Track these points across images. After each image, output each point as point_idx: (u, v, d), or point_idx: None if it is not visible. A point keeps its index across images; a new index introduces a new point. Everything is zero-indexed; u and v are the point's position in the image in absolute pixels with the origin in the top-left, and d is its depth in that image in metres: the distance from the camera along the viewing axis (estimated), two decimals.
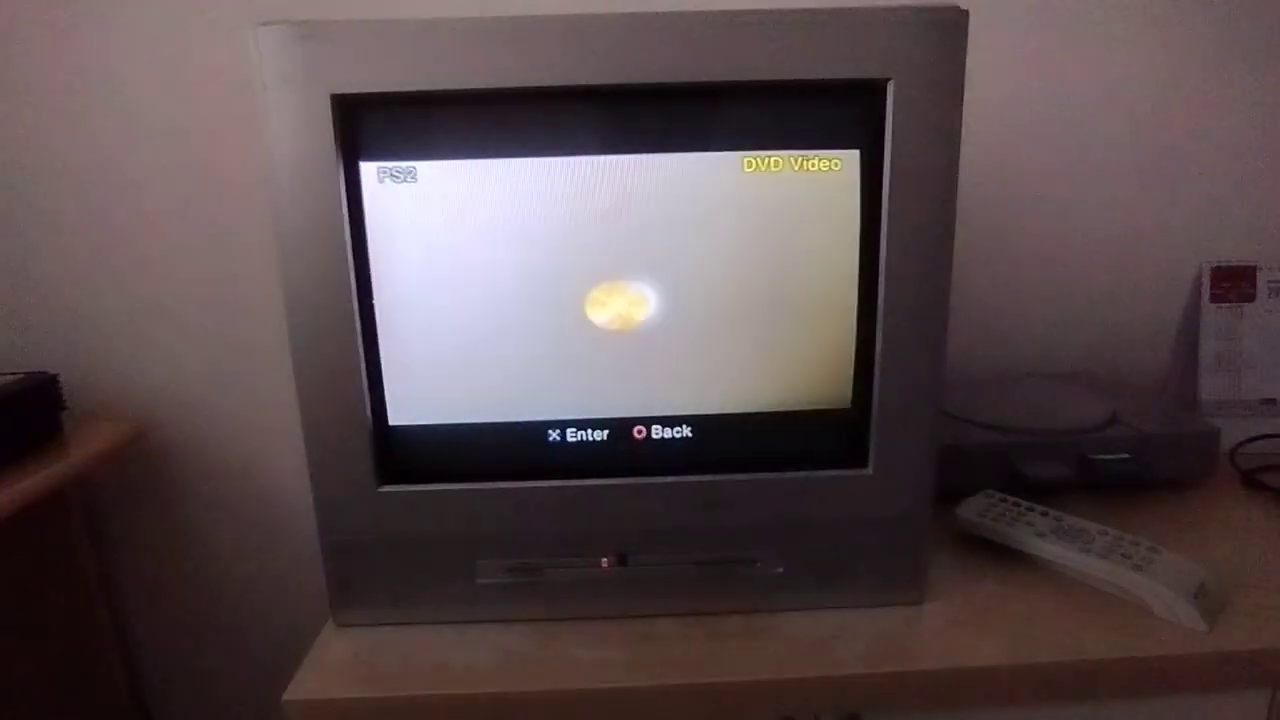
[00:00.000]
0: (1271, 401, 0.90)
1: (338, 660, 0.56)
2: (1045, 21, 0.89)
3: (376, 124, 0.51)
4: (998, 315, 0.97)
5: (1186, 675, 0.55)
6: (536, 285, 0.54)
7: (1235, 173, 0.94)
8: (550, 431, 0.57)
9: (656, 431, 0.57)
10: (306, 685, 0.54)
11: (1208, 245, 0.94)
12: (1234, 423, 0.86)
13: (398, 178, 0.52)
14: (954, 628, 0.57)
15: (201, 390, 0.96)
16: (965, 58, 0.49)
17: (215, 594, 1.03)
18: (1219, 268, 0.91)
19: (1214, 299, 0.91)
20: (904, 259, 0.52)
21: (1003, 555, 0.65)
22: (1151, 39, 0.90)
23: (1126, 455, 0.74)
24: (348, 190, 0.51)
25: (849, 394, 0.56)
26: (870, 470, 0.56)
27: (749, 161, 0.53)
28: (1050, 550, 0.62)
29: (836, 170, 0.53)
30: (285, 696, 0.53)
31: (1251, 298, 0.91)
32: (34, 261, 0.92)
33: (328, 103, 0.49)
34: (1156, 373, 0.97)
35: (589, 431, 0.57)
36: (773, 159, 0.53)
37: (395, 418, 0.56)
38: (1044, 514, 0.66)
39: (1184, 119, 0.92)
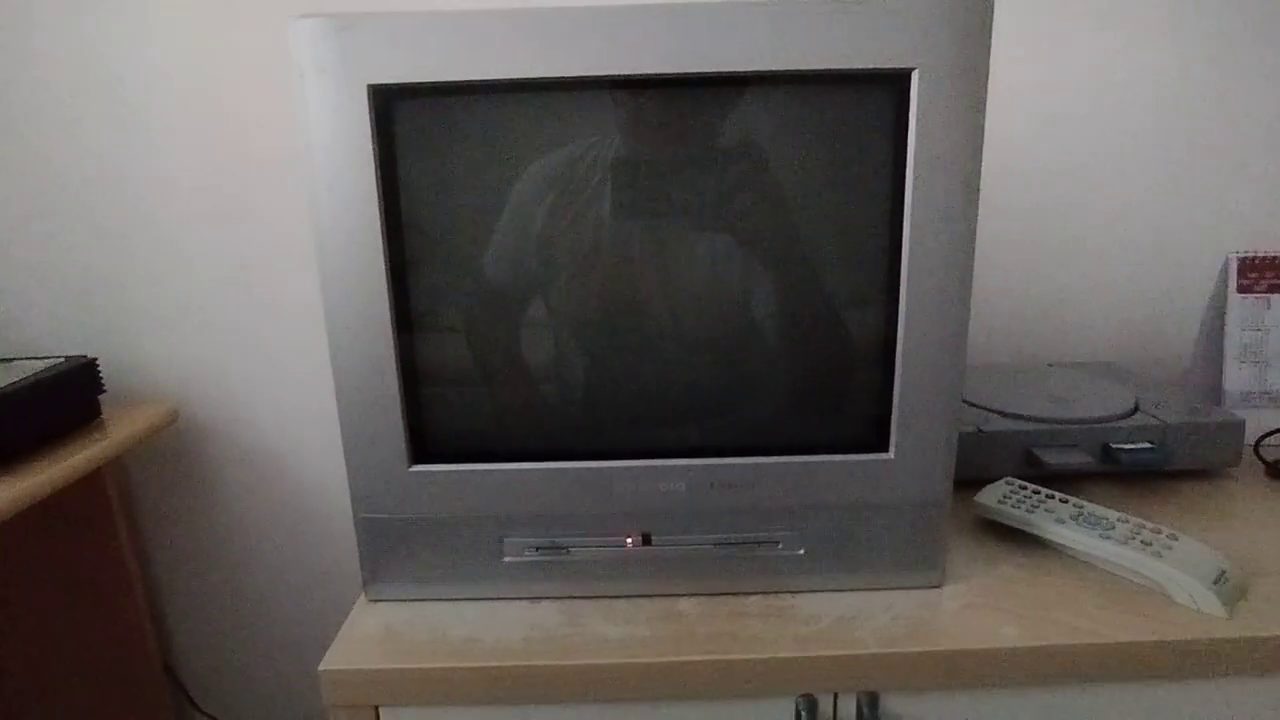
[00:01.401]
0: None
1: (371, 633, 0.58)
2: (1069, 10, 0.88)
3: (412, 113, 0.52)
4: (1023, 305, 0.97)
5: (1205, 661, 0.55)
6: (566, 269, 0.56)
7: (1263, 163, 0.93)
8: (577, 412, 0.59)
9: (682, 415, 0.59)
10: (341, 656, 0.56)
11: (1234, 235, 0.93)
12: (1259, 414, 0.86)
13: (433, 165, 0.53)
14: (972, 610, 0.58)
15: (233, 373, 0.98)
16: (990, 47, 0.50)
17: (244, 568, 1.06)
18: (1246, 258, 0.90)
19: (1240, 290, 0.91)
20: (927, 247, 0.53)
21: (1022, 541, 0.66)
22: (1177, 28, 0.89)
23: (1149, 445, 0.74)
24: (383, 178, 0.52)
25: (871, 380, 0.57)
26: (891, 455, 0.57)
27: (776, 154, 0.54)
28: (1069, 536, 0.63)
29: (861, 160, 0.54)
30: (321, 667, 0.55)
31: (1278, 289, 0.90)
32: (75, 251, 0.95)
33: (365, 93, 0.50)
34: (1181, 363, 0.96)
35: (616, 412, 0.58)
36: (799, 150, 0.54)
37: (428, 400, 0.58)
38: (1064, 501, 0.67)
39: (1211, 108, 0.91)
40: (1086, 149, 0.93)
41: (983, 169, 0.52)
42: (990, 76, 0.51)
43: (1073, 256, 0.96)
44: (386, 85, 0.51)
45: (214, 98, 0.90)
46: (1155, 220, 0.95)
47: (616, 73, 0.51)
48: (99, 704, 1.01)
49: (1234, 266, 0.90)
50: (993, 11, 0.49)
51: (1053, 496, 0.67)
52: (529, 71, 0.51)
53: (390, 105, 0.52)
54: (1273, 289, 0.90)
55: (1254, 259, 0.90)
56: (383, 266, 0.53)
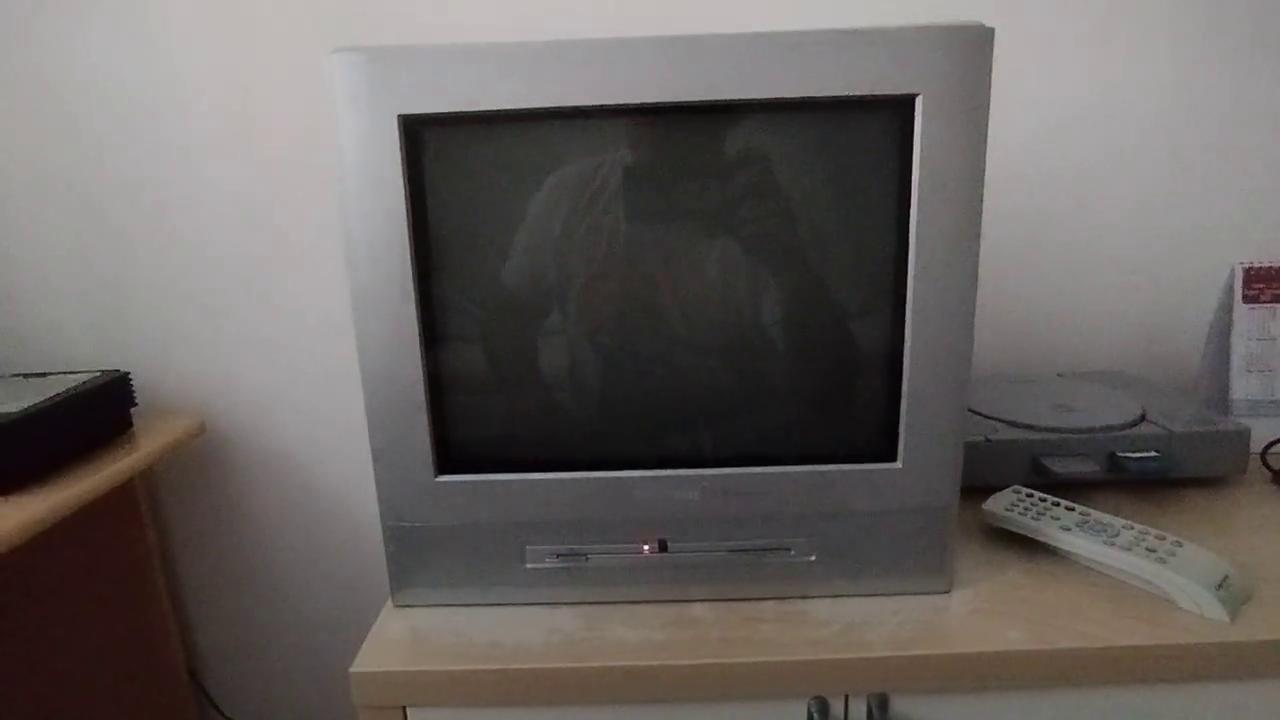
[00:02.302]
0: None
1: (398, 637, 0.61)
2: (1074, 21, 0.90)
3: (439, 141, 0.55)
4: (1030, 316, 0.99)
5: (1208, 665, 0.56)
6: (583, 283, 0.58)
7: (1268, 173, 0.94)
8: (596, 422, 0.61)
9: (697, 424, 0.61)
10: (371, 659, 0.58)
11: (1240, 246, 0.94)
12: (1265, 423, 0.87)
13: (458, 189, 0.56)
14: (980, 615, 0.60)
15: (258, 385, 1.01)
16: (991, 72, 0.52)
17: (268, 574, 1.09)
18: (1251, 269, 0.91)
19: (1246, 300, 0.92)
20: (932, 264, 0.55)
21: (1029, 548, 0.67)
22: (1181, 35, 0.90)
23: (1155, 453, 0.75)
24: (411, 201, 0.55)
25: (880, 391, 0.59)
26: (899, 464, 0.59)
27: (786, 175, 0.56)
28: (1075, 543, 0.64)
29: (868, 180, 0.56)
30: (352, 669, 0.57)
31: None
32: (105, 266, 0.98)
33: (395, 122, 0.53)
34: (1188, 373, 0.98)
35: (633, 422, 0.60)
36: (809, 172, 0.56)
37: (453, 413, 0.60)
38: (1070, 509, 0.68)
39: (1217, 118, 0.93)
40: (1092, 158, 0.94)
41: (989, 179, 0.54)
42: (994, 88, 0.52)
43: (1079, 267, 0.98)
44: (415, 115, 0.53)
45: (238, 114, 0.93)
46: (1161, 230, 0.96)
47: (633, 101, 0.53)
48: (124, 709, 1.03)
49: (1239, 277, 0.91)
50: (993, 39, 0.51)
51: (1059, 504, 0.69)
52: (548, 101, 0.53)
53: (418, 133, 0.54)
54: (1278, 299, 0.91)
55: (1260, 269, 0.91)
56: (411, 286, 0.56)
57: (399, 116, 0.53)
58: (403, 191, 0.54)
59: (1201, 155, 0.94)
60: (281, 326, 0.99)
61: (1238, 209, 0.95)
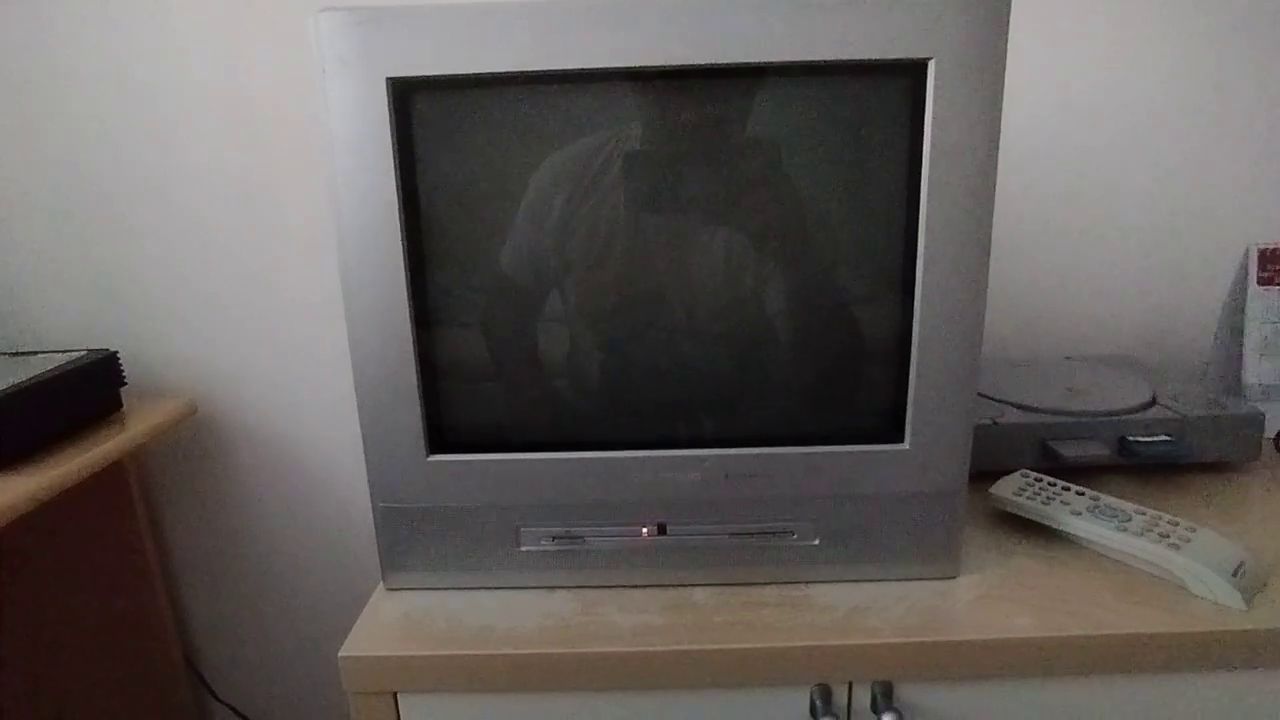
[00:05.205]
0: None
1: (389, 621, 0.59)
2: (1087, 1, 0.88)
3: (431, 106, 0.53)
4: (1040, 298, 0.97)
5: (1223, 652, 0.55)
6: (582, 261, 0.56)
7: None
8: (593, 403, 0.59)
9: (698, 406, 0.59)
10: (360, 643, 0.57)
11: (1255, 227, 0.92)
12: (1279, 407, 0.85)
13: (450, 157, 0.54)
14: (987, 601, 0.58)
15: (251, 366, 1.00)
16: (1007, 38, 0.50)
17: (262, 559, 1.08)
18: (1267, 249, 0.89)
19: (1261, 282, 0.90)
20: (943, 239, 0.53)
21: (1038, 533, 0.66)
22: (1195, 17, 0.88)
23: (1166, 437, 0.74)
24: (402, 171, 0.53)
25: (887, 371, 0.57)
26: (907, 446, 0.57)
27: (792, 146, 0.54)
28: (1085, 528, 0.63)
29: (877, 150, 0.54)
30: (341, 653, 0.56)
31: None
32: (98, 248, 0.96)
33: (384, 86, 0.51)
34: (1201, 356, 0.96)
35: (632, 403, 0.59)
36: (816, 141, 0.54)
37: (445, 391, 0.58)
38: (1080, 493, 0.66)
39: (1232, 96, 0.90)
40: (1104, 136, 0.92)
41: (999, 157, 0.52)
42: (1007, 68, 0.50)
43: (1091, 249, 0.95)
44: (405, 78, 0.51)
45: (235, 95, 0.91)
46: (1174, 211, 0.94)
47: (631, 64, 0.51)
48: (119, 695, 1.03)
49: (1255, 258, 0.90)
50: (1010, 5, 0.49)
51: (1069, 489, 0.67)
52: (545, 63, 0.51)
53: (409, 98, 0.52)
54: None
55: (1275, 250, 0.89)
56: (401, 259, 0.54)
57: (388, 80, 0.50)
58: (393, 161, 0.52)
59: (1216, 133, 0.92)
60: (274, 308, 0.98)
61: (1253, 188, 0.93)
